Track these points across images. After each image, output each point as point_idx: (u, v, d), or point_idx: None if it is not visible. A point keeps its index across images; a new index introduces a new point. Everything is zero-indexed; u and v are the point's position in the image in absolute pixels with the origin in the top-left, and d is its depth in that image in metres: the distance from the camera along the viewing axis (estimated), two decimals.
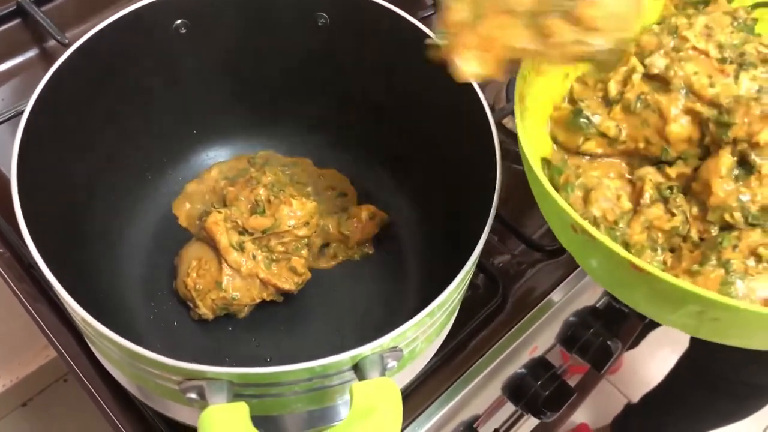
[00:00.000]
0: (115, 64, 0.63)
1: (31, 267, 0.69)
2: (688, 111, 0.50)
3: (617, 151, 0.54)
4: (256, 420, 0.45)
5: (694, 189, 0.50)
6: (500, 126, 0.80)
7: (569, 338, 0.80)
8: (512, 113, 0.81)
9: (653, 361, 1.52)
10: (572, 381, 0.79)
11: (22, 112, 0.74)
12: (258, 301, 0.66)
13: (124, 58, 0.63)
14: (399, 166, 0.75)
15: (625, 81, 0.53)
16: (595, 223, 0.51)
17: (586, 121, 0.53)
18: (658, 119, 0.51)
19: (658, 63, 0.52)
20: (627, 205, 0.52)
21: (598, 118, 0.53)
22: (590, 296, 0.81)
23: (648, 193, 0.51)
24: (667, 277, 0.41)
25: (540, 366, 0.76)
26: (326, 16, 0.67)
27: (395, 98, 0.70)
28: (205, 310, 0.66)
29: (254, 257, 0.65)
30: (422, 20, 0.69)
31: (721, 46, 0.52)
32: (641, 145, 0.52)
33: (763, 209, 0.47)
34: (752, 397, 1.14)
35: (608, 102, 0.53)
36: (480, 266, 0.71)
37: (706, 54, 0.52)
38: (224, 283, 0.64)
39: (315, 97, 0.73)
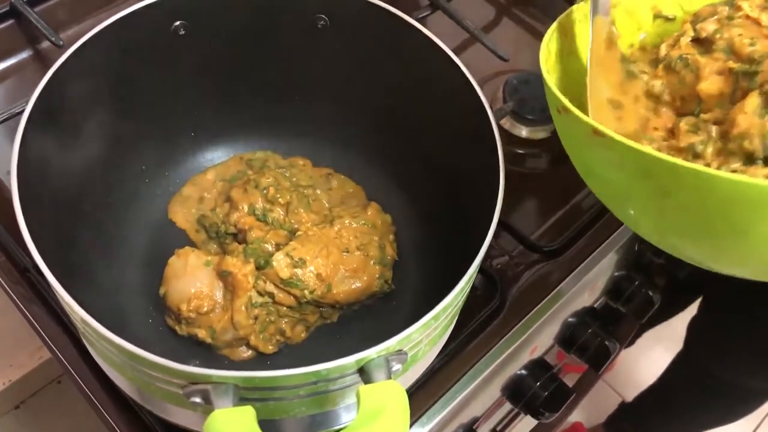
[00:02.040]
0: (113, 65, 0.62)
1: (27, 271, 0.68)
2: (722, 71, 0.52)
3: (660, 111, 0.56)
4: (258, 424, 0.44)
5: (721, 130, 0.51)
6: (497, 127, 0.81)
7: (568, 339, 0.80)
8: (510, 114, 0.83)
9: (647, 360, 1.53)
10: (567, 379, 0.79)
11: (16, 115, 0.75)
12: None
13: (123, 60, 0.63)
14: (398, 166, 0.75)
15: (676, 44, 0.55)
16: None
17: (633, 75, 0.55)
18: (693, 77, 0.53)
19: (708, 27, 0.54)
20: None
21: (645, 77, 0.55)
22: (588, 297, 0.81)
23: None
24: (618, 137, 0.43)
25: (539, 367, 0.76)
26: (326, 18, 0.67)
27: (394, 99, 0.70)
28: (185, 333, 0.65)
29: (255, 318, 0.64)
30: (419, 20, 0.69)
31: None
32: (678, 103, 0.54)
33: None
34: (747, 400, 1.15)
35: (655, 63, 0.56)
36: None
37: (758, 23, 0.53)
38: (216, 332, 0.64)
39: (314, 99, 0.73)
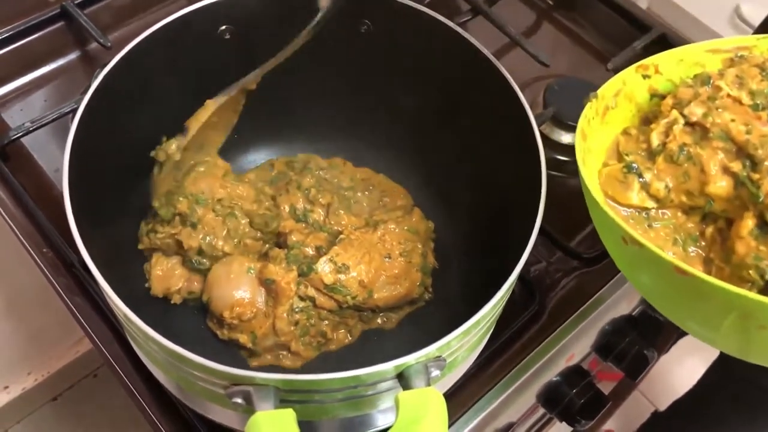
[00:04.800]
0: (160, 68, 0.63)
1: (72, 266, 0.70)
2: (726, 170, 0.51)
3: (664, 207, 0.55)
4: None
5: (729, 246, 0.51)
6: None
7: (605, 347, 0.80)
8: (550, 119, 0.82)
9: (681, 368, 1.51)
10: (601, 387, 0.78)
11: (65, 114, 0.76)
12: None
13: (170, 63, 0.64)
14: (437, 171, 0.75)
15: (667, 132, 0.54)
16: None
17: (636, 176, 0.54)
18: (699, 173, 0.52)
19: (696, 111, 0.53)
20: None
21: (648, 176, 0.54)
22: (626, 305, 0.80)
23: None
24: (709, 278, 0.42)
25: (575, 374, 0.75)
26: (368, 23, 0.67)
27: (435, 103, 0.70)
28: (226, 337, 0.66)
29: (296, 323, 0.65)
30: (460, 25, 0.69)
31: (752, 93, 0.53)
32: (684, 198, 0.53)
33: None
34: None
35: (651, 155, 0.54)
36: None
37: (740, 101, 0.53)
38: (258, 337, 0.64)
39: (355, 102, 0.74)
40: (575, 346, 0.74)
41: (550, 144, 0.83)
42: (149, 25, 0.62)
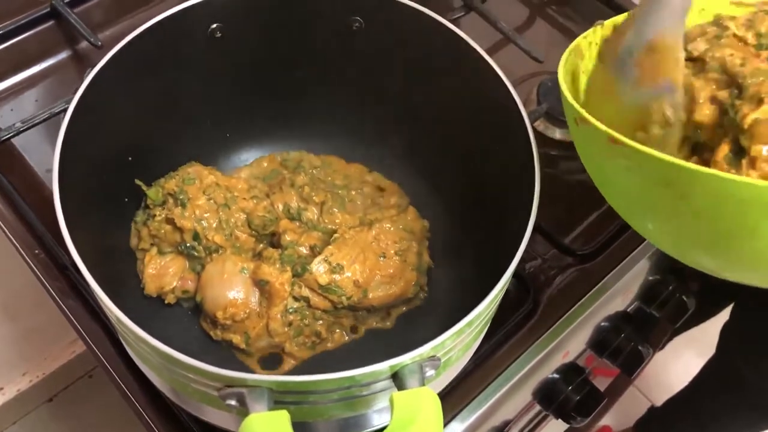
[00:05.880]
0: (151, 67, 0.63)
1: (65, 268, 0.69)
2: (714, 99, 0.51)
3: None
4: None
5: None
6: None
7: (600, 343, 0.80)
8: (544, 115, 0.82)
9: (678, 364, 1.51)
10: (597, 383, 0.78)
11: (56, 114, 0.76)
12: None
13: (161, 62, 0.63)
14: (431, 169, 0.74)
15: None
16: None
17: None
18: (689, 102, 0.52)
19: (699, 47, 0.54)
20: None
21: None
22: (621, 301, 0.80)
23: None
24: (636, 145, 0.43)
25: (571, 371, 0.75)
26: (361, 21, 0.67)
27: (428, 101, 0.70)
28: (220, 338, 0.66)
29: (290, 324, 0.64)
30: (453, 22, 0.69)
31: (759, 35, 0.53)
32: None
33: None
34: None
35: None
36: None
37: (745, 41, 0.53)
38: (251, 338, 0.64)
39: (348, 100, 0.73)
40: (570, 343, 0.74)
41: (544, 140, 0.83)
42: (139, 23, 0.61)
